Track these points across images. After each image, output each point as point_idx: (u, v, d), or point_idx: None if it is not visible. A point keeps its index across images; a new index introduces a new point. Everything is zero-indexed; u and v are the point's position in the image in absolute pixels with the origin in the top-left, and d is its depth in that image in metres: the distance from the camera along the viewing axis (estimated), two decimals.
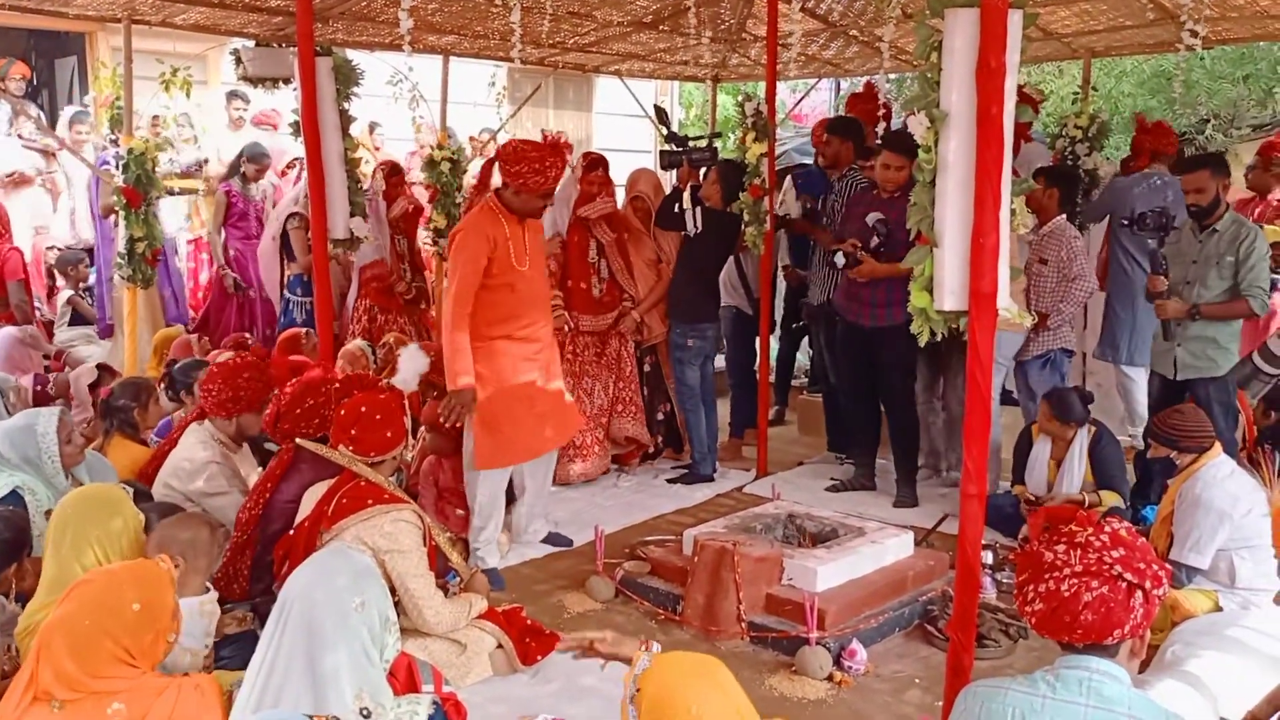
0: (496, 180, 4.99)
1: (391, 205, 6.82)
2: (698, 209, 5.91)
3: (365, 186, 5.54)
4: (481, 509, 4.65)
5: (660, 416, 6.37)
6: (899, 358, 5.47)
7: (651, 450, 6.39)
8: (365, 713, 2.40)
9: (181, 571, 3.04)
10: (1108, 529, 2.16)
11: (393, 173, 6.95)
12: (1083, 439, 4.88)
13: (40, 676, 2.23)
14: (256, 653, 2.60)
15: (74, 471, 3.85)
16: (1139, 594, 2.10)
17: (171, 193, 8.08)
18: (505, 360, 4.54)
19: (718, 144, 6.67)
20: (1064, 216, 5.55)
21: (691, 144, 6.43)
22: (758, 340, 6.68)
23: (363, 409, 3.59)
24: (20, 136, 8.20)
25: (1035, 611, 2.16)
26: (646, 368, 6.32)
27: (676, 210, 5.95)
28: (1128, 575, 2.09)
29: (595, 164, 6.02)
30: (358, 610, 2.46)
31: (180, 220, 8.57)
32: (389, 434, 3.56)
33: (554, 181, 4.51)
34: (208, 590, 3.09)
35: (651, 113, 7.43)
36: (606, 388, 6.10)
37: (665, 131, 6.70)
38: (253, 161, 7.60)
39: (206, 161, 8.72)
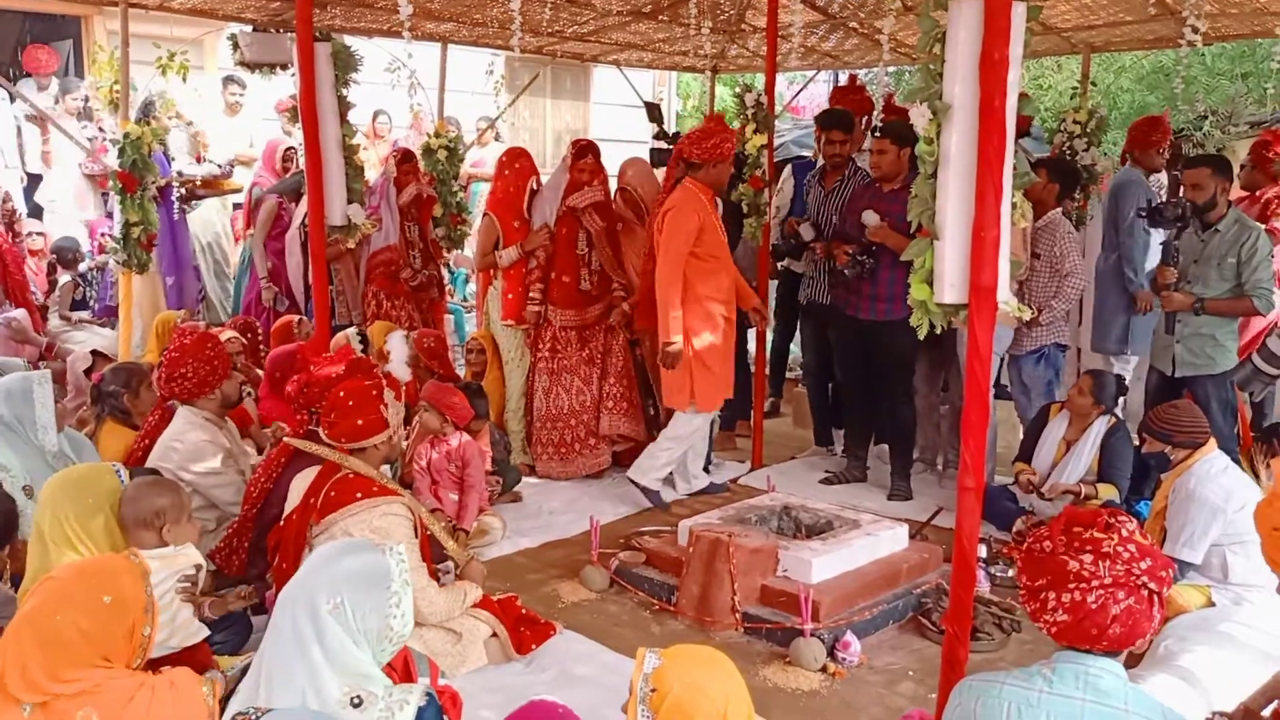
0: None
1: (402, 191, 6.78)
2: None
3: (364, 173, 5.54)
4: (677, 442, 5.42)
5: (652, 411, 6.12)
6: (897, 352, 5.46)
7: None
8: (356, 701, 2.37)
9: (170, 533, 3.08)
10: (1125, 533, 2.10)
11: (405, 159, 6.91)
12: (1101, 427, 4.91)
13: (6, 675, 2.16)
14: (263, 642, 2.60)
15: (58, 439, 3.90)
16: (1157, 600, 2.08)
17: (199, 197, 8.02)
18: (714, 319, 5.28)
19: None
20: (1059, 211, 5.55)
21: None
22: (749, 333, 6.68)
23: (341, 394, 3.58)
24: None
25: (1058, 622, 2.10)
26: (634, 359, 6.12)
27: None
28: (1151, 585, 2.06)
29: (584, 151, 5.92)
30: (332, 612, 2.40)
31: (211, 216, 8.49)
32: (360, 422, 3.52)
33: (734, 148, 5.32)
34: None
35: (655, 105, 7.42)
36: (589, 383, 5.94)
37: (657, 129, 6.70)
38: None
39: (233, 165, 8.61)
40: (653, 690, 2.11)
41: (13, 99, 8.27)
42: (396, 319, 6.64)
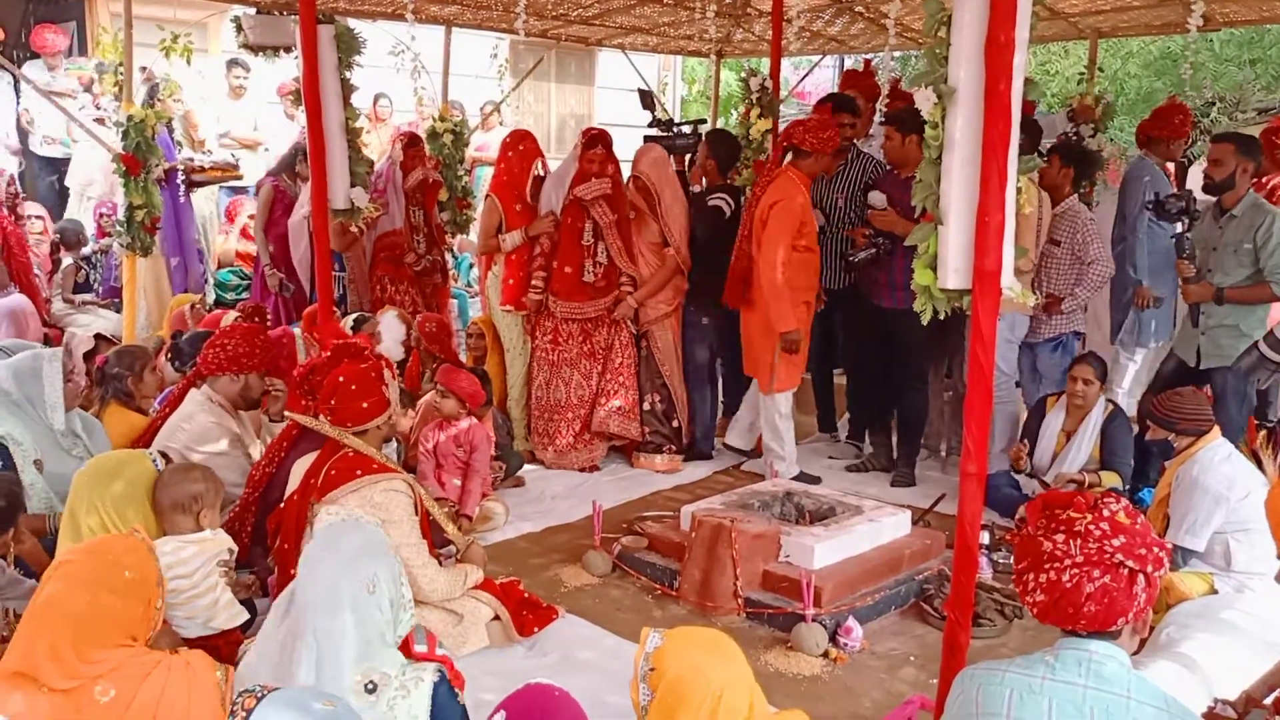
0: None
1: (408, 175, 6.73)
2: (720, 196, 5.89)
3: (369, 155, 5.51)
4: (783, 423, 5.61)
5: (648, 407, 5.93)
6: (914, 339, 5.33)
7: (644, 440, 5.93)
8: (370, 687, 2.40)
9: (206, 517, 3.14)
10: (1106, 513, 2.10)
11: (411, 143, 6.85)
12: (1098, 415, 4.90)
13: (36, 659, 2.16)
14: (267, 621, 2.61)
15: (69, 418, 3.91)
16: (1141, 579, 2.07)
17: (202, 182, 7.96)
18: (800, 306, 5.41)
19: (702, 130, 6.65)
20: (1076, 197, 5.51)
21: (676, 129, 6.39)
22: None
23: (341, 379, 3.58)
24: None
25: (1037, 602, 2.12)
26: (641, 354, 5.95)
27: (710, 204, 5.89)
28: (1129, 562, 2.05)
29: (595, 140, 5.74)
30: (370, 591, 2.45)
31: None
32: (365, 405, 3.54)
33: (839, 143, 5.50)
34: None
35: (649, 92, 7.37)
36: (589, 378, 5.82)
37: (651, 117, 6.68)
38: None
39: (238, 164, 8.56)
40: (651, 669, 2.13)
41: (16, 82, 8.24)
42: (400, 303, 6.62)
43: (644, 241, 5.85)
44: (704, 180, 6.18)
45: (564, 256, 5.78)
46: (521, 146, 6.03)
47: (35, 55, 8.93)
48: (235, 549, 3.20)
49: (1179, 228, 5.17)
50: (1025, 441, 5.10)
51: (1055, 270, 5.43)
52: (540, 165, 6.03)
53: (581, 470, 5.84)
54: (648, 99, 6.82)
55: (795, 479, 5.50)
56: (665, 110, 7.21)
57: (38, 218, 8.07)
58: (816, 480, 5.55)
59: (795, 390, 5.70)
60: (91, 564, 2.30)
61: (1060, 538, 2.10)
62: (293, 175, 7.19)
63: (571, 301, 5.79)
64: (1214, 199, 4.99)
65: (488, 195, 6.14)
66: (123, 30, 6.14)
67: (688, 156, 6.57)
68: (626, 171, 5.96)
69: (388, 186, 6.71)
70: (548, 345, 5.86)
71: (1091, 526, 2.08)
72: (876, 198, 5.33)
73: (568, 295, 5.79)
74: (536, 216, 5.91)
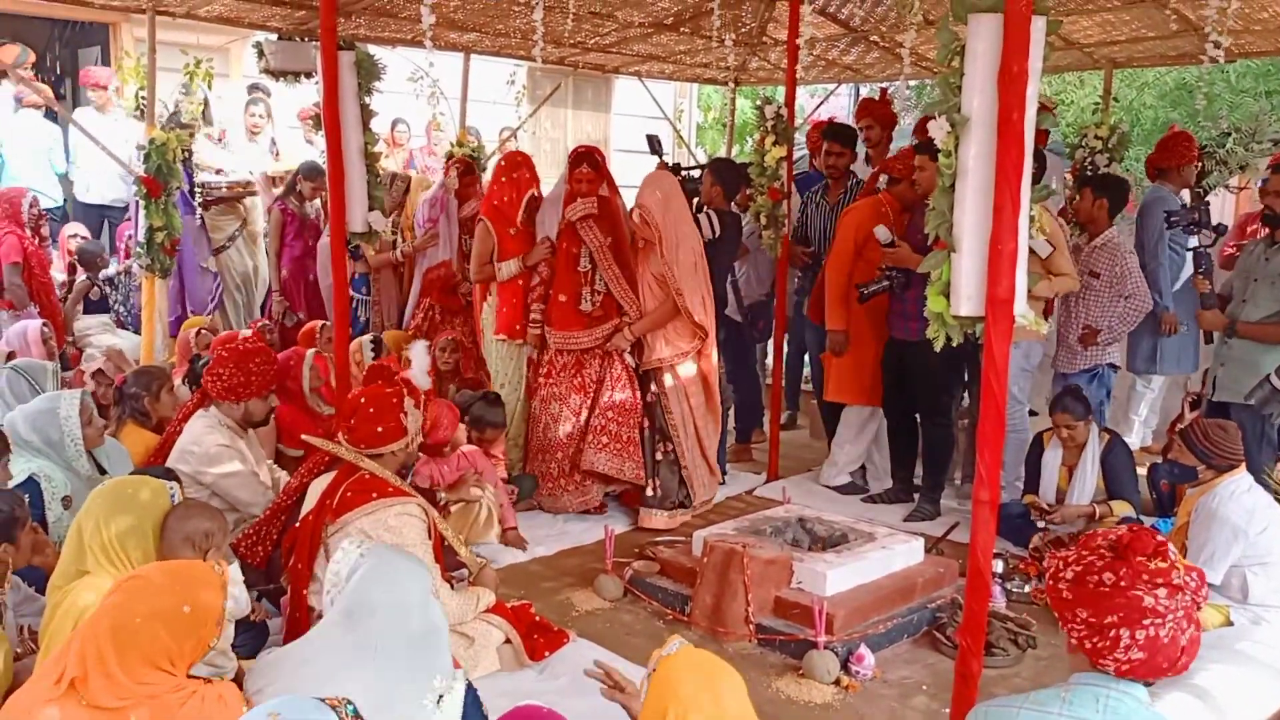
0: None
1: (464, 205, 6.67)
2: (710, 212, 5.86)
3: (382, 180, 5.54)
4: (849, 442, 5.91)
5: (659, 456, 5.37)
6: (932, 369, 5.19)
7: (650, 493, 5.37)
8: (439, 699, 2.47)
9: (213, 556, 3.06)
10: (1172, 555, 2.06)
11: (466, 172, 6.73)
12: (1095, 445, 4.85)
13: (86, 669, 2.17)
14: (316, 636, 2.66)
15: (94, 454, 3.88)
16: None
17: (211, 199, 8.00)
18: (864, 323, 5.60)
19: None
20: (1114, 229, 5.49)
21: (685, 173, 6.41)
22: (767, 345, 6.68)
23: (361, 400, 3.61)
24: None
25: (1132, 660, 2.02)
26: (649, 398, 5.40)
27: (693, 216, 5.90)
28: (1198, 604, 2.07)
29: (580, 159, 5.42)
30: (434, 595, 2.64)
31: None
32: (380, 429, 3.56)
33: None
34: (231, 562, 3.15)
35: (669, 118, 7.43)
36: (578, 413, 5.39)
37: (658, 161, 6.73)
38: (309, 179, 7.19)
39: (249, 183, 8.61)
40: (654, 670, 2.21)
41: (51, 113, 8.30)
42: (447, 334, 6.43)
43: (650, 272, 5.29)
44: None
45: (559, 284, 5.45)
46: (514, 174, 5.71)
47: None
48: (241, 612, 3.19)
49: (1194, 242, 5.14)
50: (1035, 496, 5.02)
51: (1094, 302, 5.39)
52: (536, 191, 5.81)
53: (580, 513, 5.44)
54: (654, 143, 6.87)
55: (843, 488, 5.92)
56: (688, 150, 7.23)
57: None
58: (865, 488, 5.86)
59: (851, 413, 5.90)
60: (160, 586, 2.30)
61: (1163, 593, 2.02)
62: (299, 197, 7.27)
63: (566, 331, 5.42)
64: (1268, 230, 4.93)
65: (479, 218, 5.80)
66: (146, 55, 6.22)
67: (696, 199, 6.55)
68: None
69: (441, 215, 6.61)
70: (543, 380, 5.51)
71: (1187, 578, 2.04)
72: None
73: (562, 325, 5.42)
74: (532, 240, 5.67)
